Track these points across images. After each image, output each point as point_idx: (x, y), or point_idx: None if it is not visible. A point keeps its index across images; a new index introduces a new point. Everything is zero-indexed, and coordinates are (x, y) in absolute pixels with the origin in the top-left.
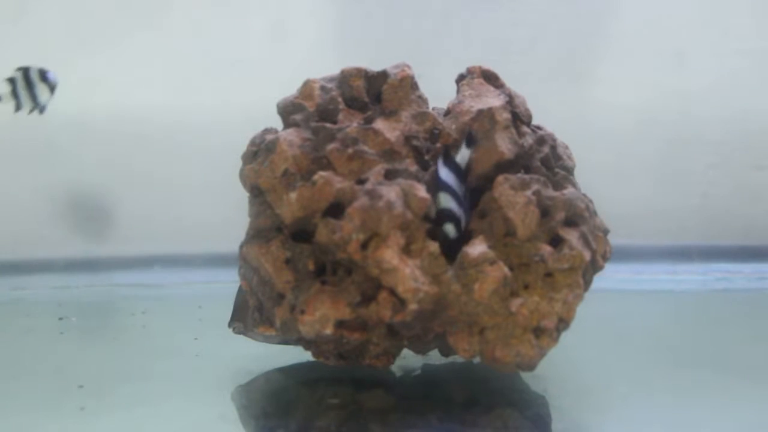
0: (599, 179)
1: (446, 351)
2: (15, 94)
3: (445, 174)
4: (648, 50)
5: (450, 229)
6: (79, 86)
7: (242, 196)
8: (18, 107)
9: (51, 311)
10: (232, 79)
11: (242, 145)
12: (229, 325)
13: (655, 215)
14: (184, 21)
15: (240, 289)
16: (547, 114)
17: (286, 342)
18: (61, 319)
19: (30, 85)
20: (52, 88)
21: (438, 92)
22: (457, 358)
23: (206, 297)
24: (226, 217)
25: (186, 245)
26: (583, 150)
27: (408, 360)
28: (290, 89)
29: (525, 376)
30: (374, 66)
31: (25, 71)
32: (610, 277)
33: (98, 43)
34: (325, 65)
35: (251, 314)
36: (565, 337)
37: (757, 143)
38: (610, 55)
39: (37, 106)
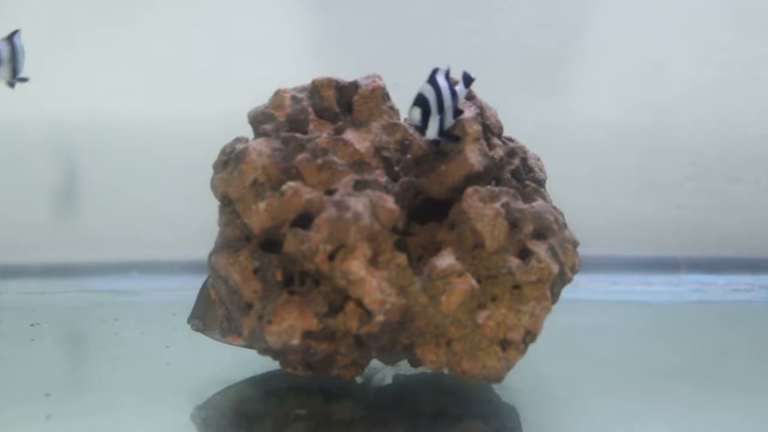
0: (576, 190)
1: (416, 362)
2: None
3: (441, 81)
4: (625, 61)
5: (415, 113)
6: (56, 92)
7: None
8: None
9: (24, 317)
10: (211, 87)
11: None
12: (188, 322)
13: (632, 226)
14: (162, 29)
15: (202, 287)
16: (524, 124)
17: (251, 347)
18: (32, 325)
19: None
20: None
21: None
22: (428, 369)
23: (181, 304)
24: (204, 224)
25: (163, 252)
26: (559, 160)
27: (377, 370)
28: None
29: (496, 387)
30: (352, 75)
31: None
32: (585, 287)
33: (76, 50)
34: (303, 74)
35: (220, 324)
36: (538, 348)
37: (733, 155)
38: (587, 66)
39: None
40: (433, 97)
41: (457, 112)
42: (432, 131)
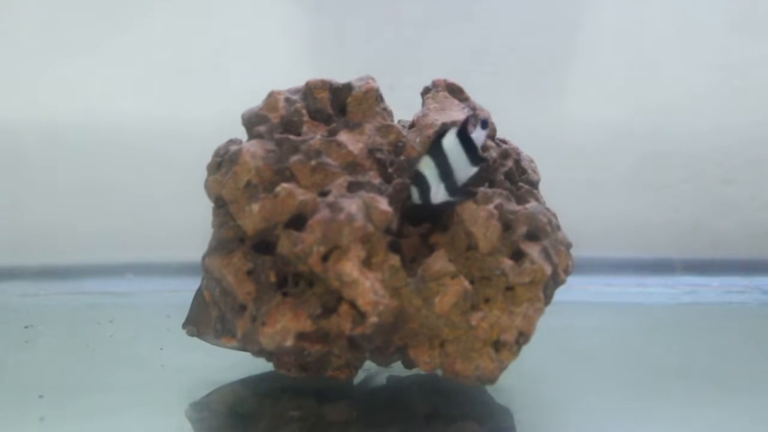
0: (570, 192)
1: (409, 363)
2: None
3: (447, 143)
4: (621, 64)
5: (414, 193)
6: (51, 93)
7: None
8: None
9: (18, 319)
10: (206, 88)
11: None
12: (183, 327)
13: (626, 228)
14: (159, 30)
15: (197, 292)
16: (520, 127)
17: (245, 348)
18: (26, 327)
19: None
20: None
21: (411, 102)
22: (421, 370)
23: (175, 306)
24: (200, 225)
25: (158, 253)
26: (554, 163)
27: (371, 372)
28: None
29: (490, 389)
30: (347, 77)
31: None
32: (579, 289)
33: (73, 51)
34: (298, 75)
35: (213, 325)
36: (532, 349)
37: (727, 157)
38: (583, 69)
39: None
40: (431, 170)
41: (479, 160)
42: (440, 196)
